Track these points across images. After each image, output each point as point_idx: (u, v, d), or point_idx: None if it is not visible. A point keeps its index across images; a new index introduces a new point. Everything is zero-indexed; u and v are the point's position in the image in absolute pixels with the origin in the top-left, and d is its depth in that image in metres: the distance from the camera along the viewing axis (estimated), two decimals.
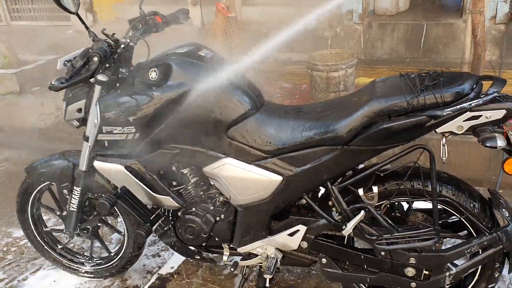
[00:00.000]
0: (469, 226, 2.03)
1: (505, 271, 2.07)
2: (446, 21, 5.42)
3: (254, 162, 2.04)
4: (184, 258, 2.83)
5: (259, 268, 2.36)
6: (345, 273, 2.18)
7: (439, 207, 1.98)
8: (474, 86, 1.76)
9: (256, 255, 2.27)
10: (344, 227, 2.01)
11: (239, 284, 2.46)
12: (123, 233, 2.64)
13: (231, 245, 2.33)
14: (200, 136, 2.07)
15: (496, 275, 2.09)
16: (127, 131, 2.09)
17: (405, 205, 2.15)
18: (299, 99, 4.62)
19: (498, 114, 1.71)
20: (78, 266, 2.85)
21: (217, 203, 2.26)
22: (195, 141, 2.09)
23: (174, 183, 2.24)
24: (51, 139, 4.91)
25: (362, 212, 1.98)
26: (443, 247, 2.09)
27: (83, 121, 2.25)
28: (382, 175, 2.00)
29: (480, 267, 2.09)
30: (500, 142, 1.69)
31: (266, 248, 2.23)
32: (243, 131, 2.02)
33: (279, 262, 2.23)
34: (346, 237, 2.15)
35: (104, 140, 2.17)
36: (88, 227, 2.63)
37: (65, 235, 2.55)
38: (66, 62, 2.19)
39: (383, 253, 2.05)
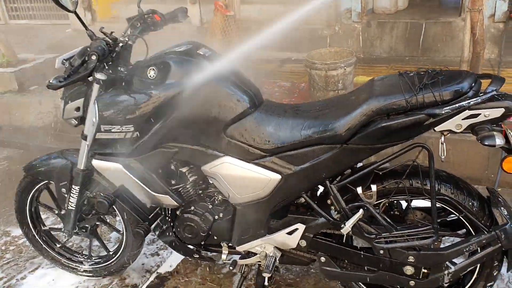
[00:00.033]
0: (467, 224, 2.03)
1: (503, 269, 2.07)
2: (445, 20, 5.41)
3: (253, 160, 2.04)
4: (183, 257, 2.83)
5: (258, 266, 2.36)
6: (344, 272, 2.18)
7: (437, 205, 1.98)
8: (473, 84, 1.76)
9: (255, 254, 2.27)
10: (342, 225, 2.01)
11: (238, 283, 2.46)
12: (121, 232, 2.64)
13: (230, 244, 2.33)
14: (198, 135, 2.07)
15: (494, 274, 2.09)
16: (126, 130, 2.09)
17: (404, 204, 2.15)
18: (298, 98, 4.61)
19: (497, 112, 1.71)
20: (77, 265, 2.85)
21: (216, 202, 2.27)
22: (194, 140, 2.09)
23: (173, 182, 2.24)
24: (49, 138, 4.90)
25: (361, 211, 1.98)
26: (441, 246, 2.10)
27: (82, 120, 2.24)
28: (380, 173, 2.00)
29: (478, 265, 2.09)
30: (499, 141, 1.68)
31: (265, 247, 2.23)
32: (242, 129, 2.02)
33: (278, 261, 2.23)
34: (345, 235, 2.14)
35: (103, 138, 2.17)
36: (87, 226, 2.63)
37: (64, 234, 2.55)
38: (64, 61, 2.19)
39: (381, 251, 2.05)
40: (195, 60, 2.07)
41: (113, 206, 2.40)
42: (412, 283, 2.08)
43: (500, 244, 1.94)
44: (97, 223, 2.68)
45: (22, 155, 4.64)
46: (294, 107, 2.13)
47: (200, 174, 2.20)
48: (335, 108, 1.99)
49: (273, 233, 2.18)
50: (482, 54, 3.83)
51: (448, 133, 1.82)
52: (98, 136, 2.16)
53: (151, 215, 2.35)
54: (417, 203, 2.10)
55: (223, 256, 2.35)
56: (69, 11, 2.11)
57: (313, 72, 4.18)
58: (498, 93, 1.74)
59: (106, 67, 2.10)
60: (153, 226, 2.35)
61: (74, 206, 2.43)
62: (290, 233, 2.14)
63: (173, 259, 2.93)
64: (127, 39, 2.18)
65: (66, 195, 2.46)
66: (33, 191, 2.67)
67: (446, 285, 2.13)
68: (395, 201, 2.14)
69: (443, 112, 1.73)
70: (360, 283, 2.32)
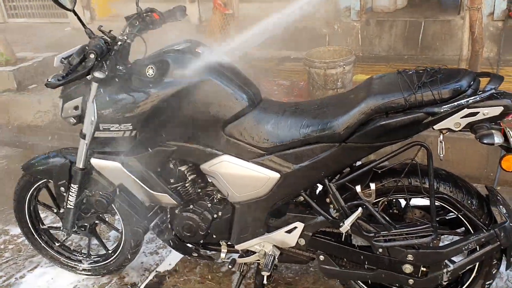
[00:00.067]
0: (466, 223, 2.03)
1: (502, 267, 2.07)
2: (444, 18, 5.42)
3: (252, 159, 2.03)
4: (182, 255, 2.83)
5: (257, 265, 2.36)
6: (343, 270, 2.18)
7: (436, 204, 1.98)
8: (472, 82, 1.76)
9: (254, 252, 2.27)
10: (341, 224, 2.01)
11: (237, 281, 2.45)
12: (120, 231, 2.64)
13: (228, 243, 2.33)
14: (197, 133, 2.07)
15: (493, 272, 2.09)
16: (124, 128, 2.09)
17: (403, 202, 2.15)
18: (297, 97, 4.61)
19: (496, 110, 1.71)
20: (76, 263, 2.85)
21: (215, 201, 2.27)
22: (193, 138, 2.09)
23: (172, 181, 2.24)
24: (48, 137, 4.90)
25: (360, 209, 1.98)
26: (440, 244, 2.10)
27: (80, 119, 2.24)
28: (379, 172, 2.00)
29: (477, 263, 2.09)
30: (498, 139, 1.68)
31: (263, 245, 2.23)
32: (241, 128, 2.02)
33: (277, 259, 2.23)
34: (344, 234, 2.15)
35: (101, 137, 2.17)
36: (86, 224, 2.63)
37: (63, 232, 2.55)
38: (63, 60, 2.18)
39: (380, 250, 2.05)
40: (193, 59, 2.06)
41: (112, 205, 2.39)
42: (411, 281, 2.08)
43: (499, 243, 1.94)
44: (96, 221, 2.68)
45: (21, 154, 4.63)
46: (293, 106, 2.12)
47: (199, 172, 2.20)
48: (334, 106, 1.99)
49: (272, 232, 2.18)
50: (481, 52, 3.84)
51: (447, 132, 1.81)
52: (96, 135, 2.16)
53: (150, 214, 2.35)
54: (416, 201, 2.10)
55: (222, 255, 2.35)
56: (67, 9, 2.11)
57: (312, 70, 4.18)
58: (497, 92, 1.73)
59: (105, 66, 2.10)
60: (152, 224, 2.34)
61: (73, 205, 2.43)
62: (289, 231, 2.15)
63: (172, 258, 2.93)
64: (125, 38, 2.17)
65: (65, 194, 2.46)
66: (32, 189, 2.66)
67: (445, 283, 2.13)
68: (394, 200, 2.14)
69: (442, 110, 1.73)
70: (359, 281, 2.32)
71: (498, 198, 2.00)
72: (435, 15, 5.54)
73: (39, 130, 5.04)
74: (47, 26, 8.07)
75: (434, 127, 1.79)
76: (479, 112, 1.72)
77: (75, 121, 2.26)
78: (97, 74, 2.05)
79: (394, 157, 1.95)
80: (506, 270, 2.06)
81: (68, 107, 2.23)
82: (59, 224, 2.64)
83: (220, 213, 2.25)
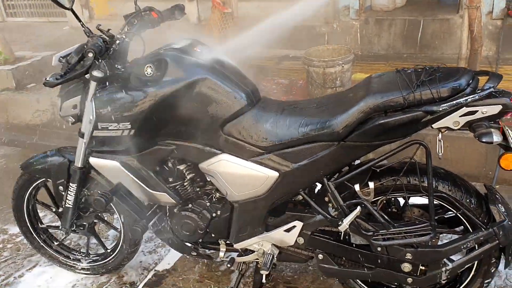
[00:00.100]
0: (465, 221, 2.03)
1: (501, 266, 2.08)
2: (443, 17, 5.41)
3: (251, 158, 2.03)
4: (180, 254, 2.83)
5: (255, 264, 2.37)
6: (342, 269, 2.19)
7: (435, 202, 1.98)
8: (470, 81, 1.76)
9: (253, 251, 2.27)
10: (340, 223, 2.01)
11: (236, 280, 2.46)
12: (119, 230, 2.64)
13: (227, 241, 2.33)
14: (196, 132, 2.07)
15: (492, 270, 2.09)
16: (123, 127, 2.09)
17: (402, 201, 2.16)
18: (296, 95, 4.61)
19: (494, 109, 1.71)
20: (75, 262, 2.85)
21: (214, 199, 2.26)
22: (191, 137, 2.09)
23: (170, 180, 2.24)
24: (47, 136, 4.89)
25: (359, 208, 1.98)
26: (439, 243, 2.10)
27: (79, 118, 2.23)
28: (378, 170, 2.00)
29: (476, 262, 2.09)
30: (496, 138, 1.68)
31: (262, 244, 2.23)
32: (240, 127, 2.02)
33: (275, 258, 2.23)
34: (343, 233, 2.15)
35: (100, 136, 2.16)
36: (84, 223, 2.63)
37: (61, 231, 2.55)
38: (61, 58, 2.18)
39: (379, 248, 2.05)
40: (192, 58, 2.06)
41: (111, 204, 2.39)
42: (409, 280, 2.08)
43: (497, 241, 1.94)
44: (95, 221, 2.68)
45: (20, 153, 4.63)
46: (292, 105, 2.12)
47: (198, 171, 2.20)
48: (332, 105, 1.99)
49: (270, 231, 2.18)
50: (479, 51, 3.84)
51: (445, 130, 1.81)
52: (95, 134, 2.16)
53: (149, 213, 2.35)
54: (415, 200, 2.10)
55: (221, 254, 2.35)
56: (65, 8, 2.11)
57: (311, 69, 4.18)
58: (496, 90, 1.73)
59: (103, 65, 2.09)
60: (150, 223, 2.34)
61: (72, 204, 2.43)
62: (287, 230, 2.14)
63: (171, 257, 2.93)
64: (124, 37, 2.17)
65: (63, 193, 2.46)
66: (31, 189, 2.66)
67: (443, 282, 2.13)
68: (393, 198, 2.14)
69: (441, 109, 1.73)
70: (358, 280, 2.32)
71: (497, 196, 2.00)
72: (434, 13, 5.54)
73: (38, 129, 5.04)
74: (45, 25, 8.06)
75: (433, 125, 1.79)
76: (478, 110, 1.72)
77: (73, 120, 2.26)
78: (96, 73, 2.05)
79: (393, 156, 1.95)
80: (504, 268, 2.06)
81: (66, 106, 2.23)
82: (58, 223, 2.64)
83: (219, 212, 2.25)
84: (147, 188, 2.22)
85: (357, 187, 1.96)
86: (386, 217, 2.02)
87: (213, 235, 2.33)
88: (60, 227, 2.54)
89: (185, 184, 2.24)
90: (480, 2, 3.68)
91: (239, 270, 2.39)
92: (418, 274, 2.07)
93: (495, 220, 1.94)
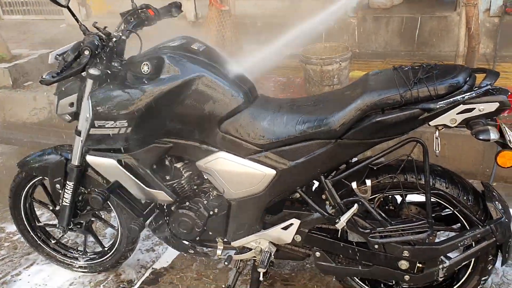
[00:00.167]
0: (462, 219, 2.03)
1: (498, 263, 2.08)
2: (440, 14, 5.41)
3: (248, 156, 2.03)
4: (178, 252, 2.83)
5: (253, 262, 2.36)
6: (339, 266, 2.19)
7: (432, 200, 1.98)
8: (468, 78, 1.76)
9: (250, 249, 2.27)
10: (337, 220, 2.01)
11: (233, 278, 2.46)
12: (116, 228, 2.63)
13: (225, 239, 2.33)
14: (193, 130, 2.07)
15: (489, 268, 2.09)
16: (120, 125, 2.08)
17: (399, 198, 2.15)
18: (293, 93, 4.60)
19: (491, 106, 1.71)
20: (72, 261, 2.84)
21: (211, 197, 2.26)
22: (188, 135, 2.08)
23: (168, 177, 2.24)
24: (44, 134, 4.88)
25: (356, 206, 1.98)
26: (436, 240, 2.10)
27: (76, 115, 2.23)
28: (375, 168, 2.00)
29: (473, 259, 2.10)
30: (493, 135, 1.69)
31: (260, 242, 2.23)
32: (237, 125, 2.02)
33: (273, 256, 2.23)
34: (340, 230, 2.15)
35: (97, 134, 2.16)
36: (82, 221, 2.63)
37: (59, 230, 2.54)
38: (57, 56, 2.17)
39: (376, 246, 2.05)
40: (188, 55, 2.05)
41: (108, 202, 2.38)
42: (406, 277, 2.09)
43: (494, 238, 1.94)
44: (92, 219, 2.67)
45: (17, 151, 4.63)
46: (289, 102, 2.12)
47: (195, 169, 2.20)
48: (329, 103, 1.99)
49: (268, 228, 2.18)
50: (477, 48, 3.84)
51: (442, 128, 1.81)
52: (92, 132, 2.15)
53: (146, 211, 2.35)
54: (412, 197, 2.11)
55: (218, 252, 2.35)
56: (62, 5, 2.10)
57: (309, 67, 4.17)
58: (493, 88, 1.74)
59: (100, 62, 2.09)
60: (148, 221, 2.34)
61: (69, 202, 2.42)
62: (285, 228, 2.15)
63: (168, 255, 2.93)
64: (120, 34, 2.16)
65: (60, 191, 2.45)
66: (28, 187, 2.66)
67: (440, 279, 2.13)
68: (390, 196, 2.14)
69: (438, 106, 1.73)
70: (355, 277, 2.32)
71: (494, 194, 2.01)
72: (432, 11, 5.54)
73: (34, 127, 5.03)
74: (42, 23, 8.04)
75: (430, 123, 1.79)
76: (475, 108, 1.72)
77: (70, 118, 2.25)
78: (92, 71, 2.04)
79: (390, 154, 1.95)
80: (501, 266, 2.07)
81: (63, 104, 2.22)
82: (55, 222, 2.63)
83: (216, 210, 2.25)
84: (144, 186, 2.22)
85: (354, 184, 1.96)
86: (383, 214, 2.03)
87: (210, 233, 2.33)
88: (57, 225, 2.53)
89: (182, 182, 2.23)
90: None
91: (237, 268, 2.39)
92: (415, 271, 2.08)
93: (492, 217, 1.95)
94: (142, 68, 2.04)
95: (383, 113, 1.80)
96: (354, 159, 2.08)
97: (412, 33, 5.47)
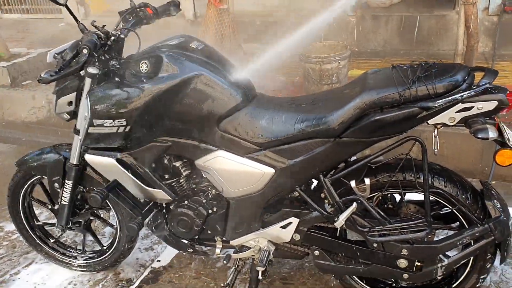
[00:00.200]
0: (461, 217, 2.04)
1: (496, 262, 2.08)
2: (439, 13, 5.41)
3: (247, 154, 2.03)
4: (177, 251, 2.83)
5: (252, 260, 2.36)
6: (338, 265, 2.19)
7: (431, 198, 1.98)
8: (466, 77, 1.76)
9: (249, 248, 2.27)
10: (336, 219, 2.01)
11: (232, 277, 2.45)
12: (115, 227, 2.63)
13: (224, 238, 2.33)
14: (192, 129, 2.06)
15: (488, 266, 2.10)
16: (118, 124, 2.08)
17: (397, 197, 2.16)
18: (292, 92, 4.60)
19: (490, 105, 1.71)
20: (71, 259, 2.84)
21: (210, 196, 2.26)
22: (187, 134, 2.08)
23: (166, 176, 2.24)
24: (42, 133, 4.88)
25: (354, 204, 1.98)
26: (435, 239, 2.11)
27: (74, 114, 2.23)
28: (374, 167, 2.00)
29: (472, 258, 2.10)
30: (492, 134, 1.69)
31: (258, 241, 2.23)
32: (235, 123, 2.02)
33: (271, 255, 2.23)
34: (339, 229, 2.15)
35: (95, 133, 2.16)
36: (80, 220, 2.62)
37: (57, 229, 2.54)
38: (56, 55, 2.17)
39: (375, 244, 2.06)
40: (187, 54, 2.05)
41: (107, 201, 2.38)
42: (405, 276, 2.09)
43: (493, 237, 1.94)
44: (91, 218, 2.67)
45: (15, 150, 4.62)
46: (288, 101, 2.12)
47: (194, 168, 2.20)
48: (328, 101, 1.99)
49: (267, 227, 2.18)
50: (476, 47, 3.84)
51: (441, 126, 1.81)
52: (90, 131, 2.15)
53: (145, 210, 2.34)
54: (411, 196, 2.11)
55: (217, 250, 2.35)
56: (60, 4, 2.09)
57: (307, 65, 4.17)
58: (491, 86, 1.74)
59: (98, 61, 2.09)
60: (146, 220, 2.34)
61: (67, 201, 2.42)
62: (284, 227, 2.14)
63: (167, 254, 2.92)
64: (119, 33, 2.16)
65: (59, 190, 2.45)
66: (26, 186, 2.65)
67: (439, 278, 2.13)
68: (389, 195, 2.15)
69: (436, 105, 1.73)
70: (354, 276, 2.32)
71: (493, 192, 2.01)
72: (431, 10, 5.54)
73: (33, 126, 5.02)
74: (41, 21, 8.02)
75: (428, 121, 1.80)
76: (473, 106, 1.72)
77: (68, 117, 2.25)
78: (91, 70, 2.04)
79: (388, 152, 1.95)
80: (500, 264, 2.07)
81: (61, 103, 2.22)
82: (54, 221, 2.63)
83: (215, 209, 2.25)
84: (143, 185, 2.22)
85: (353, 183, 1.96)
86: (382, 213, 2.03)
87: (209, 232, 2.33)
88: (56, 224, 2.53)
89: (181, 180, 2.23)
90: None
91: (236, 266, 2.39)
92: (414, 270, 2.08)
93: (490, 216, 1.95)
94: (141, 66, 2.04)
95: (382, 112, 1.80)
96: (353, 158, 2.08)
97: (411, 32, 5.48)
